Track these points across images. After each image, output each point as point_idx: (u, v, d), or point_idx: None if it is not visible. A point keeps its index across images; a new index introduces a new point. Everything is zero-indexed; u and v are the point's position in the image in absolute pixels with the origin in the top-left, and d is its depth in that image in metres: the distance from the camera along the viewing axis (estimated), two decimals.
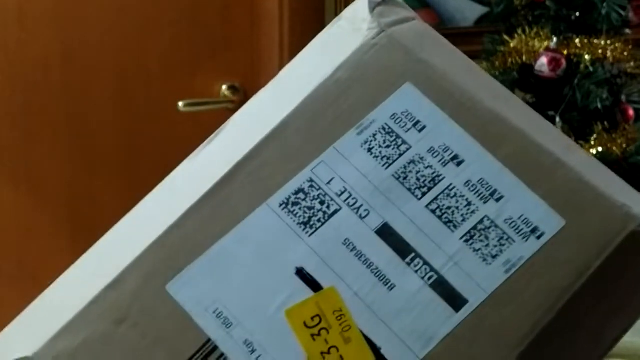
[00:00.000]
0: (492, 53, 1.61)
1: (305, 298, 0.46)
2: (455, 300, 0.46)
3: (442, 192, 0.48)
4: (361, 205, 0.48)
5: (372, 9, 0.54)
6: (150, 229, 0.49)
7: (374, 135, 0.50)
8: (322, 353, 0.45)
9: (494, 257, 0.47)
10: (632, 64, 1.59)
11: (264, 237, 0.48)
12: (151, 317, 0.46)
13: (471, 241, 0.47)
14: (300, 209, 0.48)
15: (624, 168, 1.58)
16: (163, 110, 1.78)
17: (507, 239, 0.47)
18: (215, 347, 0.45)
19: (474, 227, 0.48)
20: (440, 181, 0.49)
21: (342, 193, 0.49)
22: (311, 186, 0.49)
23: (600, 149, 1.54)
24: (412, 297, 0.46)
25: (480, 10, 1.88)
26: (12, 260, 1.81)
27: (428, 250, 0.47)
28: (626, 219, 0.47)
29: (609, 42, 1.56)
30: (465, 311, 0.46)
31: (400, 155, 0.49)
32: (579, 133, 1.57)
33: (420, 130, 0.50)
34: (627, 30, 1.60)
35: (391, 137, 0.50)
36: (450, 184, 0.48)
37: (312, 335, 0.45)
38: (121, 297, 0.47)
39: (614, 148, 1.55)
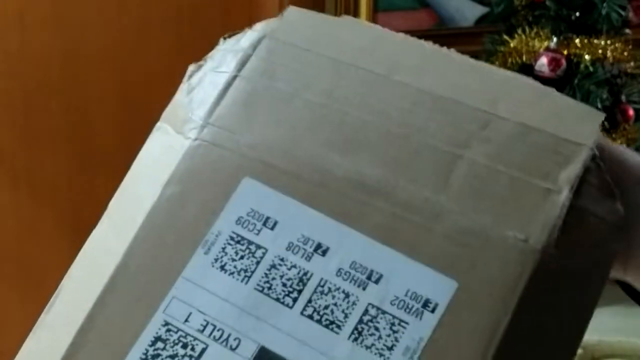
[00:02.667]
0: (492, 53, 1.61)
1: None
2: None
3: (314, 291, 0.42)
4: (229, 335, 0.42)
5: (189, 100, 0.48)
6: None
7: (223, 249, 0.43)
8: None
9: (390, 348, 0.41)
10: (632, 64, 1.60)
11: None
12: None
13: (360, 338, 0.41)
14: None
15: None
16: (163, 110, 1.78)
17: (399, 324, 0.41)
18: None
19: (360, 321, 0.41)
20: (309, 280, 0.42)
21: (205, 327, 0.42)
22: (168, 330, 0.42)
23: None
24: None
25: (480, 10, 1.88)
26: (12, 260, 1.81)
27: None
28: (522, 258, 0.41)
29: (609, 42, 1.56)
30: None
31: (258, 262, 0.43)
32: None
33: (272, 228, 0.44)
34: (627, 30, 1.60)
35: (242, 245, 0.43)
36: (321, 279, 0.42)
37: None
38: None
39: None
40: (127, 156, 0.55)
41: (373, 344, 0.41)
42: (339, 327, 0.42)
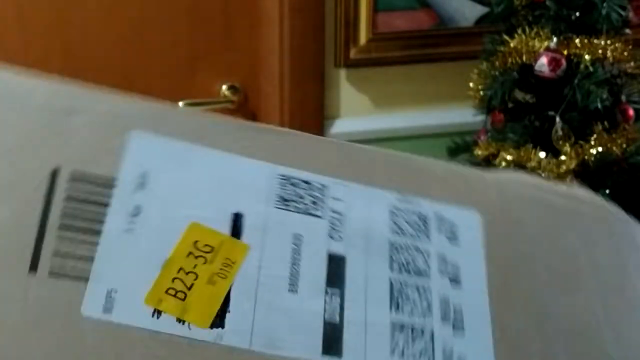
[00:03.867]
0: (492, 53, 1.61)
1: (217, 230, 0.45)
2: None
3: None
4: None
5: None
6: None
7: None
8: (182, 268, 0.43)
9: None
10: (632, 64, 1.59)
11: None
12: None
13: None
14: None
15: (624, 168, 1.58)
16: None
17: None
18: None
19: None
20: None
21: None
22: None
23: (600, 149, 1.54)
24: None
25: (480, 10, 1.88)
26: None
27: None
28: None
29: (609, 42, 1.55)
30: None
31: None
32: (579, 133, 1.57)
33: None
34: (627, 30, 1.60)
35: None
36: None
37: (191, 252, 0.44)
38: None
39: (614, 148, 1.55)
40: None
41: None
42: None
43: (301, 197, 0.47)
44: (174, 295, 0.42)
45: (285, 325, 0.43)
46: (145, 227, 0.44)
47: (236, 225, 0.45)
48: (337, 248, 0.46)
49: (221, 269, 0.43)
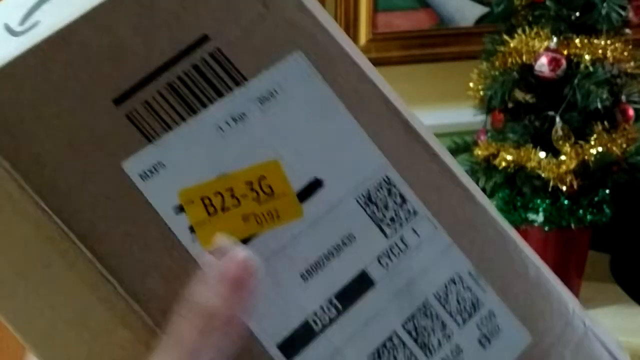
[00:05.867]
0: (492, 53, 1.61)
1: (290, 182, 0.43)
2: None
3: None
4: None
5: None
6: None
7: None
8: (232, 189, 0.42)
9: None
10: (632, 64, 1.59)
11: None
12: None
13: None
14: None
15: (624, 168, 1.58)
16: None
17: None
18: None
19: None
20: None
21: None
22: None
23: (600, 149, 1.54)
24: None
25: (480, 10, 1.88)
26: None
27: None
28: None
29: (609, 42, 1.56)
30: None
31: None
32: (579, 133, 1.57)
33: None
34: (627, 30, 1.60)
35: None
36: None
37: (251, 182, 0.42)
38: None
39: (614, 148, 1.55)
40: None
41: None
42: None
43: (386, 208, 0.45)
44: (206, 206, 0.41)
45: (270, 299, 0.41)
46: (235, 136, 0.42)
47: (308, 190, 0.43)
48: (375, 272, 0.43)
49: (263, 214, 0.42)
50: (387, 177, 0.45)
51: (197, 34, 0.43)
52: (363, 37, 1.85)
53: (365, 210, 0.44)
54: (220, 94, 0.43)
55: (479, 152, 1.62)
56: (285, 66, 0.45)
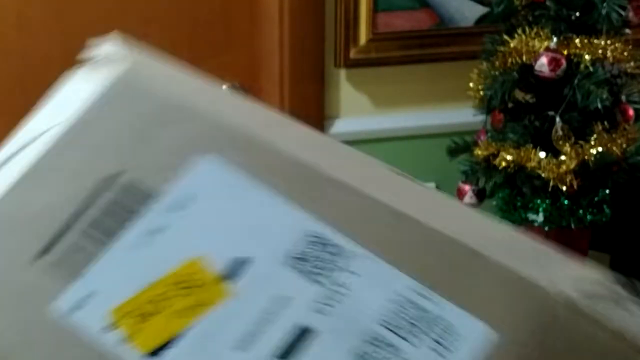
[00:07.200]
0: (492, 53, 1.60)
1: (214, 269, 0.45)
2: None
3: None
4: None
5: None
6: None
7: None
8: (164, 293, 0.44)
9: None
10: (632, 64, 1.59)
11: None
12: None
13: None
14: None
15: (624, 168, 1.58)
16: None
17: None
18: None
19: None
20: None
21: None
22: None
23: (600, 149, 1.54)
24: None
25: (480, 10, 1.88)
26: None
27: None
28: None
29: (609, 42, 1.55)
30: None
31: None
32: (579, 133, 1.57)
33: None
34: (627, 30, 1.60)
35: None
36: None
37: (181, 282, 0.44)
38: None
39: (614, 148, 1.55)
40: None
41: None
42: None
43: (320, 260, 0.46)
44: (141, 314, 0.43)
45: None
46: (156, 247, 0.45)
47: (234, 269, 0.45)
48: (316, 322, 0.44)
49: (193, 306, 0.44)
50: (314, 233, 0.46)
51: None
52: (363, 37, 1.85)
53: (298, 270, 0.45)
54: (138, 215, 0.46)
55: (479, 152, 1.62)
56: (196, 171, 0.47)
